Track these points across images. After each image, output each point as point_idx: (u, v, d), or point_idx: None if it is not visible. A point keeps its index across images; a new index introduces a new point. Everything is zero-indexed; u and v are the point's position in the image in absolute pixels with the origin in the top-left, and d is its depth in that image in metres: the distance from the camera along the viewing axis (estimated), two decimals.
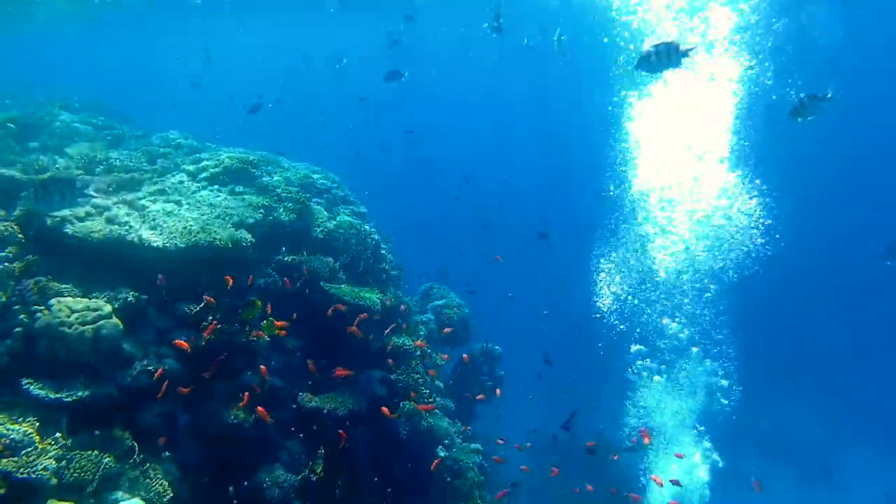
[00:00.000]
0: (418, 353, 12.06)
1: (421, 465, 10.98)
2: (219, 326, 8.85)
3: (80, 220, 8.75)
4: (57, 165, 10.09)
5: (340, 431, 9.25)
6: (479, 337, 16.08)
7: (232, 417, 8.72)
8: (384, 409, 10.04)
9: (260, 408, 8.59)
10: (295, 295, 10.36)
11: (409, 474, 10.88)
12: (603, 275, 15.56)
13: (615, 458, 12.70)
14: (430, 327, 14.23)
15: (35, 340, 7.37)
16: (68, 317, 7.49)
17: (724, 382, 15.21)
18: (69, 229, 8.50)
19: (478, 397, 14.21)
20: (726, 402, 15.02)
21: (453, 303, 15.57)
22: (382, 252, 12.51)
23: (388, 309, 11.24)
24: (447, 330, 14.45)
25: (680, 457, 13.62)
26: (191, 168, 11.47)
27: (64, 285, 8.05)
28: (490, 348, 15.86)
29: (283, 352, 10.19)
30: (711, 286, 14.75)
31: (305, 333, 10.43)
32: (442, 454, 11.51)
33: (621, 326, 15.48)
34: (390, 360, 10.79)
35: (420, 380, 11.54)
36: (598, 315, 15.60)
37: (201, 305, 8.90)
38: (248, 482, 8.84)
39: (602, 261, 15.62)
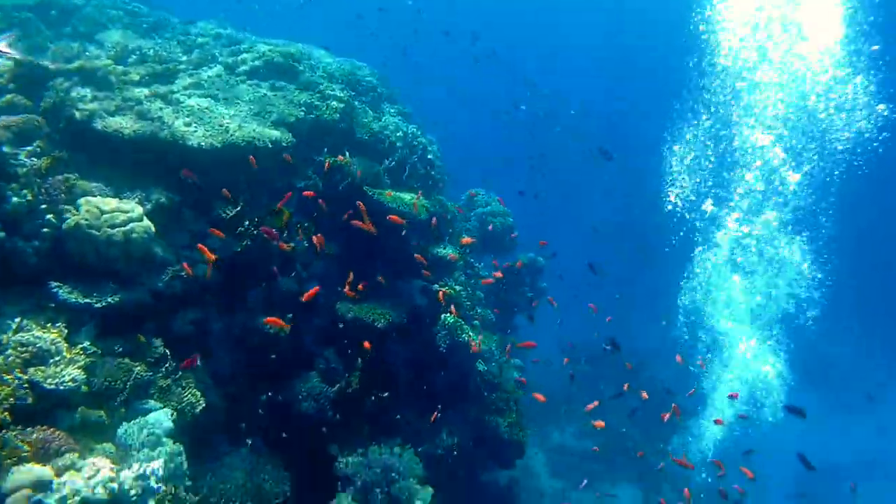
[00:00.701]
0: (461, 263, 11.62)
1: (459, 378, 10.73)
2: (254, 232, 8.44)
3: (111, 114, 8.24)
4: (87, 53, 9.51)
5: (366, 343, 8.88)
6: (522, 248, 15.55)
7: (267, 326, 8.43)
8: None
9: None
10: (337, 199, 9.87)
11: (446, 387, 10.67)
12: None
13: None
14: (473, 235, 13.73)
15: (63, 242, 7.04)
16: (97, 218, 7.10)
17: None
18: (99, 124, 8.00)
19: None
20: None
21: (498, 210, 14.96)
22: (429, 157, 11.87)
23: (432, 216, 10.71)
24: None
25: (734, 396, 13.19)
26: (229, 60, 10.81)
27: (93, 184, 7.64)
28: (534, 259, 15.33)
29: (322, 258, 9.80)
30: None
31: (346, 240, 10.00)
32: (481, 368, 11.23)
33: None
34: (426, 272, 10.32)
35: (462, 291, 11.14)
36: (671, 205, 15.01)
37: (237, 209, 8.46)
38: (282, 394, 8.65)
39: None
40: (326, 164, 9.79)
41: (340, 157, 9.86)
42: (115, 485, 5.39)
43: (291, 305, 9.12)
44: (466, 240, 11.12)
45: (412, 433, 10.07)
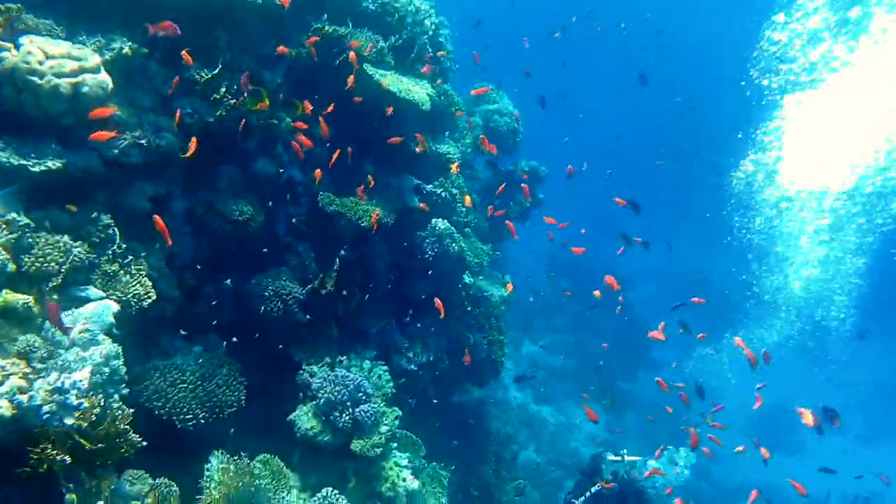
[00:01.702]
0: (460, 162, 10.53)
1: (443, 289, 9.87)
2: (231, 101, 7.24)
3: None
4: None
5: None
6: (526, 154, 14.40)
7: (235, 211, 7.38)
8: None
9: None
10: (332, 74, 8.62)
11: (428, 297, 9.83)
12: None
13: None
14: (475, 133, 12.55)
15: None
16: (40, 63, 5.87)
17: None
18: None
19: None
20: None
21: (505, 110, 13.69)
22: (440, 40, 10.49)
23: (435, 107, 9.52)
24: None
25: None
26: None
27: (42, 20, 6.34)
28: (536, 167, 14.23)
29: (308, 139, 8.65)
30: None
31: (339, 122, 8.82)
32: (468, 280, 10.38)
33: None
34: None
35: (458, 195, 10.11)
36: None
37: (214, 72, 7.22)
38: (247, 290, 7.72)
39: None
40: (322, 32, 8.48)
41: (342, 29, 8.53)
42: (24, 397, 4.47)
43: (267, 190, 8.07)
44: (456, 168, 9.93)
45: (386, 343, 9.30)
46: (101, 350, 5.33)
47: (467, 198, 10.00)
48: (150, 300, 6.29)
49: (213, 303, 7.47)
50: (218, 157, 7.58)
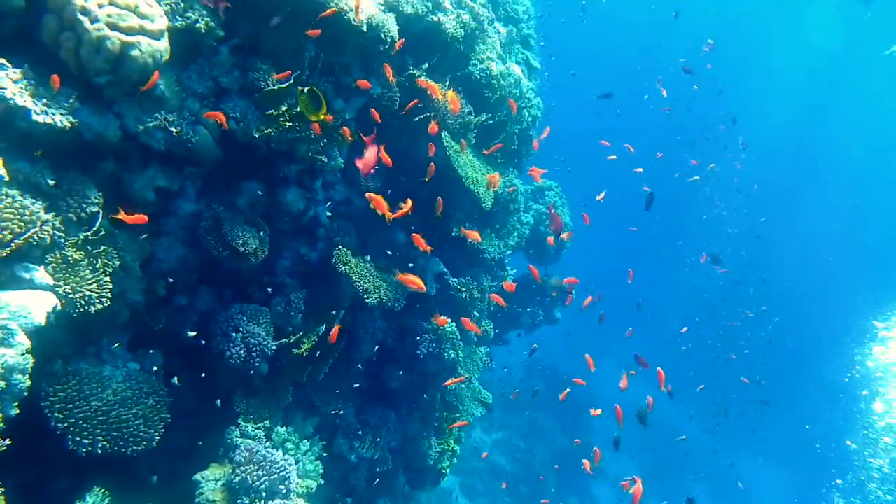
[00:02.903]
0: (494, 265, 9.65)
1: (420, 388, 8.94)
2: (287, 123, 6.34)
3: None
4: None
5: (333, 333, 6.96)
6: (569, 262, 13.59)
7: (240, 239, 6.44)
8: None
9: None
10: (402, 128, 7.76)
11: (402, 391, 8.90)
12: None
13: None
14: (522, 231, 11.68)
15: (39, 14, 4.96)
16: (100, 5, 5.00)
17: None
18: None
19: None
20: None
21: (563, 219, 12.86)
22: (530, 133, 9.61)
23: (496, 204, 8.66)
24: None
25: None
26: None
27: None
28: (564, 289, 13.32)
29: (352, 183, 7.75)
30: None
31: (393, 178, 7.94)
32: (450, 387, 9.42)
33: None
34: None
35: (479, 302, 9.19)
36: None
37: (284, 85, 6.31)
38: (219, 317, 6.75)
39: None
40: (414, 77, 7.63)
41: (438, 92, 7.66)
42: None
43: (287, 225, 7.16)
44: (509, 285, 9.07)
45: (335, 422, 8.31)
46: (5, 358, 4.36)
47: (496, 297, 9.11)
48: (98, 306, 5.32)
49: (179, 323, 6.50)
50: (251, 171, 6.68)
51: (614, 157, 13.39)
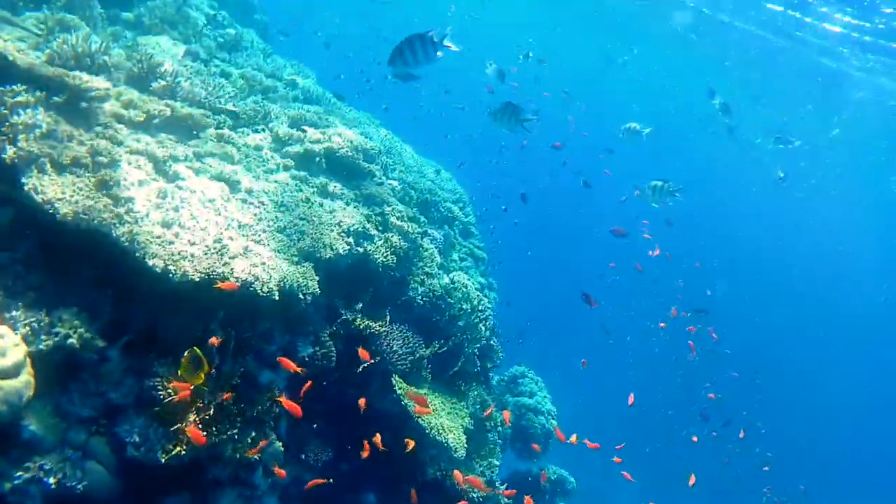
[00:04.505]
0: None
1: None
2: (200, 427, 5.18)
3: (59, 171, 5.14)
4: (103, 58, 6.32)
5: None
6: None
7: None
8: None
9: None
10: (348, 383, 6.69)
11: None
12: None
13: None
14: (504, 432, 10.42)
15: None
16: None
17: None
18: (29, 182, 4.89)
19: None
20: None
21: (542, 407, 11.67)
22: (492, 343, 8.63)
23: (471, 437, 7.49)
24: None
25: None
26: (283, 130, 7.75)
27: None
28: (564, 478, 12.00)
29: (297, 463, 6.54)
30: None
31: (342, 442, 6.76)
32: None
33: None
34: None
35: None
36: None
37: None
38: None
39: None
40: (352, 326, 6.64)
41: (377, 325, 6.69)
42: None
43: None
44: None
45: None
46: None
47: None
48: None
49: None
50: (171, 485, 5.44)
51: None
